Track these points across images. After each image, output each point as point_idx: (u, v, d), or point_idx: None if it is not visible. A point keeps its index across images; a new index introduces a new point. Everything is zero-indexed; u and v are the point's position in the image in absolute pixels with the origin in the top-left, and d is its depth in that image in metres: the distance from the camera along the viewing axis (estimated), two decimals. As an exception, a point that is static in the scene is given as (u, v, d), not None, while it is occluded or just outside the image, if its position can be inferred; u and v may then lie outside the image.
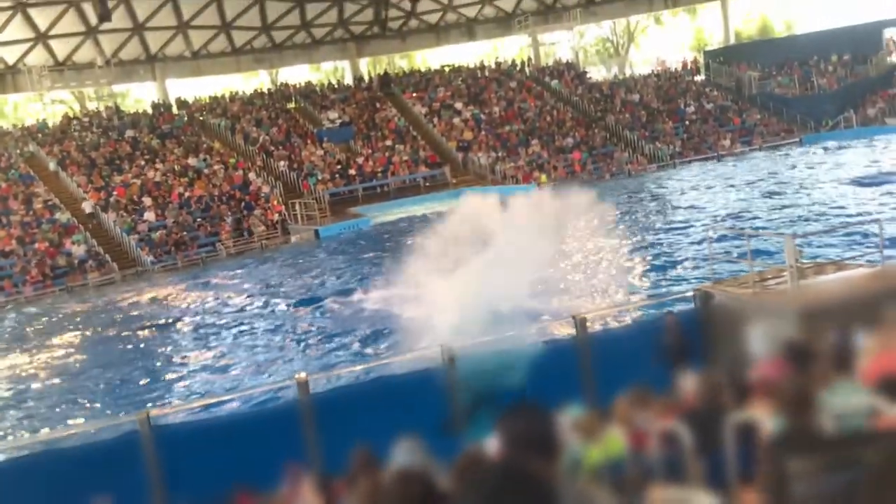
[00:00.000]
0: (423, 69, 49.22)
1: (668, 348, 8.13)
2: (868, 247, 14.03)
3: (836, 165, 28.31)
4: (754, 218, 20.52)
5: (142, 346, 17.19)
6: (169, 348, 16.57)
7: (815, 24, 48.82)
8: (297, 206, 31.33)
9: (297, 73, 56.99)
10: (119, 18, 36.76)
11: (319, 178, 34.78)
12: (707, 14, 61.24)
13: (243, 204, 31.87)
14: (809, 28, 49.46)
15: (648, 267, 16.68)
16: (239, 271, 24.86)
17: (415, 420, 5.22)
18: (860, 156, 29.87)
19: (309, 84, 46.12)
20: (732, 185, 27.28)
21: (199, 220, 30.75)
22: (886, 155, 29.07)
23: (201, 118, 39.29)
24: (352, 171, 35.82)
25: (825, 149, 33.12)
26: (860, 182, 23.73)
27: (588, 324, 8.52)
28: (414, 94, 42.86)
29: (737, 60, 44.89)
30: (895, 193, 20.89)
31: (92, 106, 42.19)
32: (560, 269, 15.58)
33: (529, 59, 48.34)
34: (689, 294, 9.32)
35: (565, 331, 9.57)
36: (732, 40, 50.63)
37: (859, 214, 18.80)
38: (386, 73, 47.37)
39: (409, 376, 7.95)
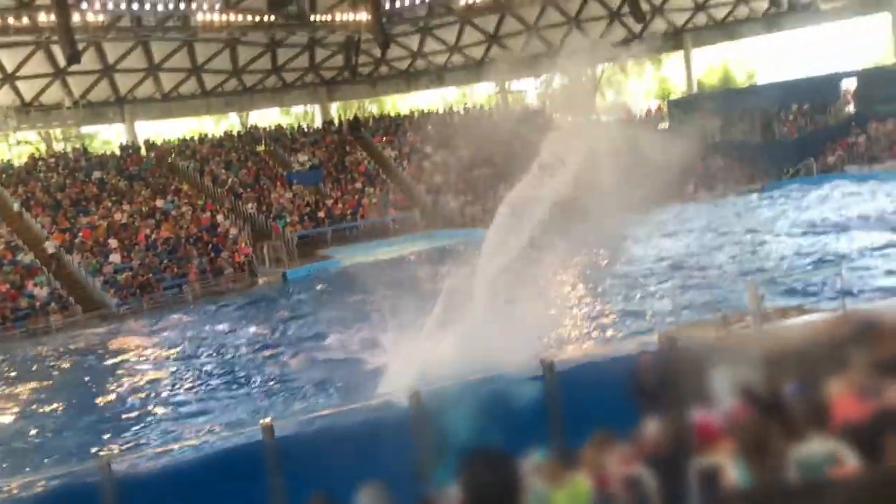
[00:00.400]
0: (393, 114, 49.64)
1: (640, 390, 8.16)
2: (830, 292, 14.28)
3: (797, 211, 28.86)
4: (718, 263, 20.80)
5: (104, 390, 16.87)
6: (132, 392, 16.28)
7: (775, 75, 50.04)
8: (265, 249, 31.19)
9: (267, 116, 57.15)
10: (88, 60, 36.69)
11: (288, 220, 34.73)
12: (671, 64, 62.66)
13: (211, 246, 31.66)
14: (770, 79, 50.73)
15: (613, 310, 16.80)
16: (205, 314, 24.59)
17: (381, 467, 5.18)
18: (821, 202, 30.49)
19: (279, 127, 46.27)
20: (696, 230, 27.65)
21: (165, 262, 30.46)
22: (846, 201, 29.72)
23: (170, 160, 39.14)
24: (321, 214, 35.82)
25: (787, 195, 33.79)
26: (822, 227, 24.18)
27: (556, 367, 8.53)
28: (384, 138, 43.17)
29: (700, 109, 45.84)
30: (855, 238, 21.34)
31: (59, 147, 41.87)
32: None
33: (498, 105, 49.00)
34: (654, 338, 9.39)
35: (531, 373, 9.57)
36: (695, 90, 51.77)
37: (821, 260, 19.15)
38: (356, 118, 47.71)
39: (375, 421, 7.89)
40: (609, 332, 15.31)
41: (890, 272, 16.54)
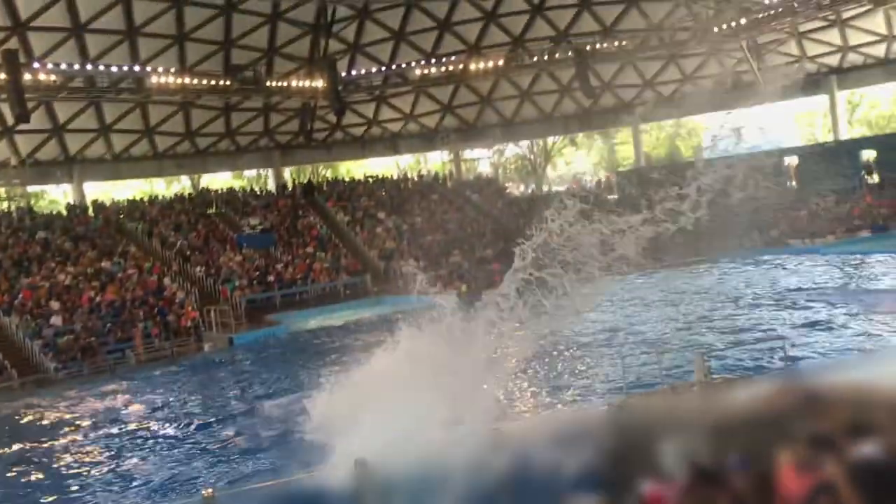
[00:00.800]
0: (347, 179, 49.91)
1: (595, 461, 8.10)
2: (774, 363, 14.50)
3: (743, 283, 29.47)
4: (666, 333, 21.02)
5: (37, 459, 16.20)
6: (67, 462, 15.66)
7: (719, 149, 51.62)
8: (213, 313, 30.67)
9: (219, 179, 56.96)
10: (38, 118, 36.28)
11: (237, 284, 34.29)
12: (619, 136, 64.39)
13: (157, 309, 31.03)
14: (714, 153, 52.27)
15: (562, 380, 16.80)
16: (147, 379, 23.96)
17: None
18: (765, 274, 31.22)
19: (231, 190, 46.09)
20: (645, 301, 28.01)
21: (109, 325, 29.71)
22: (789, 274, 30.49)
23: (118, 221, 38.58)
24: (271, 278, 35.46)
25: (732, 267, 34.53)
26: (766, 299, 24.70)
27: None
28: (337, 203, 43.25)
29: (647, 181, 46.95)
30: (798, 310, 21.82)
31: (3, 206, 41.04)
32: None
33: (451, 172, 49.62)
34: (603, 407, 9.41)
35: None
36: (643, 162, 53.13)
37: (766, 331, 19.49)
38: (310, 182, 47.84)
39: (320, 491, 7.71)
40: (558, 400, 15.27)
41: (830, 344, 16.89)
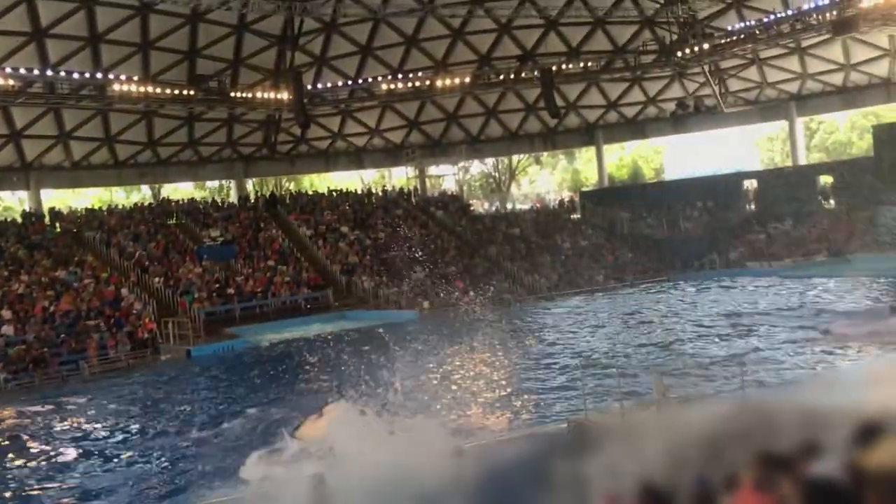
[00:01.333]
0: (310, 192, 49.64)
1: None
2: (731, 383, 14.63)
3: (702, 303, 29.82)
4: (625, 352, 21.15)
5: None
6: (9, 477, 15.23)
7: (681, 171, 52.39)
8: (171, 325, 30.19)
9: (180, 190, 56.38)
10: (-6, 124, 35.65)
11: (196, 296, 33.80)
12: (584, 156, 65.06)
13: (113, 321, 30.45)
14: (676, 175, 53.06)
15: (522, 398, 16.78)
16: (100, 391, 23.46)
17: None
18: (723, 295, 31.64)
19: (192, 200, 45.55)
20: (604, 319, 28.20)
21: (63, 335, 29.07)
22: (747, 295, 30.93)
23: (75, 230, 37.88)
24: (230, 291, 35.02)
25: (691, 287, 34.94)
26: (724, 319, 25.01)
27: (466, 454, 8.44)
28: (300, 216, 42.96)
29: (610, 202, 47.41)
30: (755, 331, 22.13)
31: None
32: (434, 398, 15.49)
33: (416, 188, 49.62)
34: (563, 425, 9.40)
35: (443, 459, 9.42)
36: (606, 183, 53.67)
37: (724, 350, 19.73)
38: (273, 194, 47.50)
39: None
40: (519, 418, 15.24)
41: (784, 366, 17.13)
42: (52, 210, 39.82)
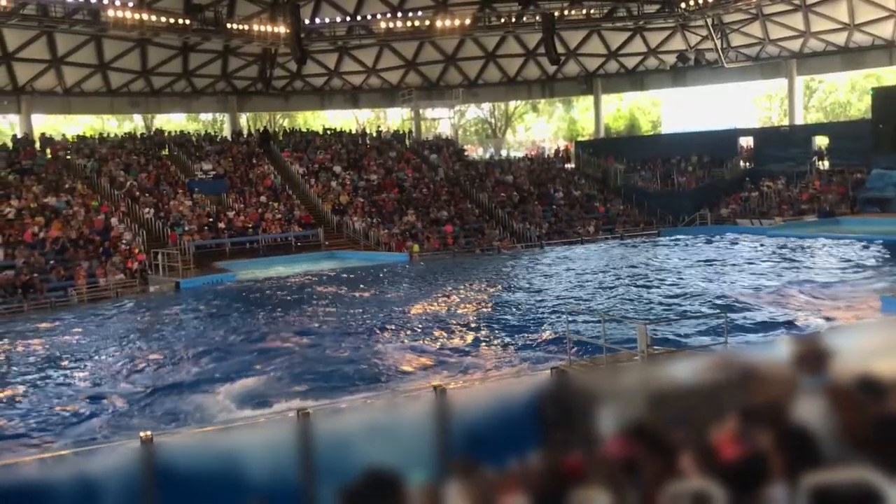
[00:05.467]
0: (304, 129, 49.22)
1: (542, 415, 8.24)
2: (716, 336, 14.86)
3: (689, 257, 30.04)
4: (611, 302, 21.36)
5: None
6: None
7: (677, 126, 52.16)
8: (160, 257, 30.24)
9: (173, 121, 55.87)
10: (-14, 45, 35.05)
11: (186, 229, 33.77)
12: (581, 105, 64.66)
13: (102, 249, 30.45)
14: (673, 129, 52.85)
15: (508, 342, 16.99)
16: (88, 319, 23.59)
17: (266, 486, 5.07)
18: (712, 250, 31.86)
19: (185, 133, 45.18)
20: (593, 270, 28.38)
21: (52, 262, 29.08)
22: (735, 250, 31.17)
23: (66, 157, 37.59)
24: (221, 225, 34.99)
25: (681, 241, 35.13)
26: (711, 274, 25.26)
27: (448, 395, 8.55)
28: (293, 154, 42.71)
29: (605, 153, 47.31)
30: (740, 286, 22.37)
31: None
32: (418, 338, 15.67)
33: (410, 130, 49.30)
34: (547, 371, 9.56)
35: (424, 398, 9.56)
36: (602, 134, 53.45)
37: (709, 304, 19.95)
38: (266, 130, 47.11)
39: (261, 442, 7.69)
40: (504, 365, 15.45)
41: (767, 322, 17.34)
42: (43, 136, 39.42)
